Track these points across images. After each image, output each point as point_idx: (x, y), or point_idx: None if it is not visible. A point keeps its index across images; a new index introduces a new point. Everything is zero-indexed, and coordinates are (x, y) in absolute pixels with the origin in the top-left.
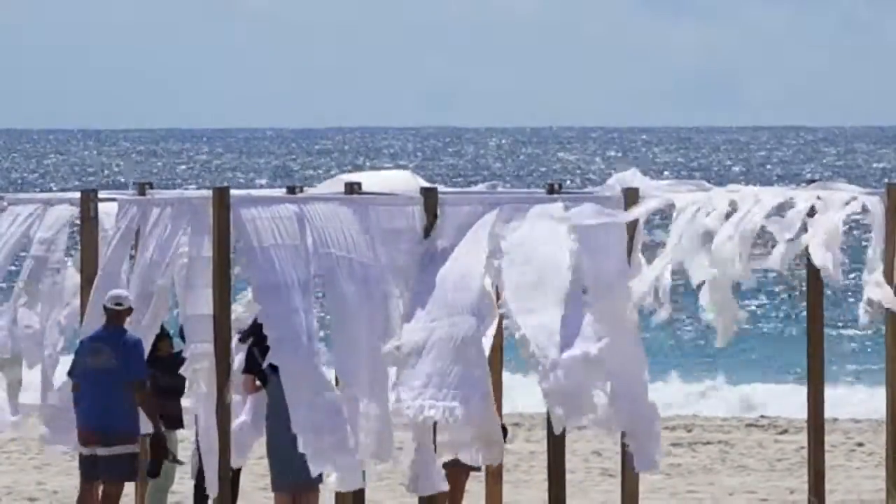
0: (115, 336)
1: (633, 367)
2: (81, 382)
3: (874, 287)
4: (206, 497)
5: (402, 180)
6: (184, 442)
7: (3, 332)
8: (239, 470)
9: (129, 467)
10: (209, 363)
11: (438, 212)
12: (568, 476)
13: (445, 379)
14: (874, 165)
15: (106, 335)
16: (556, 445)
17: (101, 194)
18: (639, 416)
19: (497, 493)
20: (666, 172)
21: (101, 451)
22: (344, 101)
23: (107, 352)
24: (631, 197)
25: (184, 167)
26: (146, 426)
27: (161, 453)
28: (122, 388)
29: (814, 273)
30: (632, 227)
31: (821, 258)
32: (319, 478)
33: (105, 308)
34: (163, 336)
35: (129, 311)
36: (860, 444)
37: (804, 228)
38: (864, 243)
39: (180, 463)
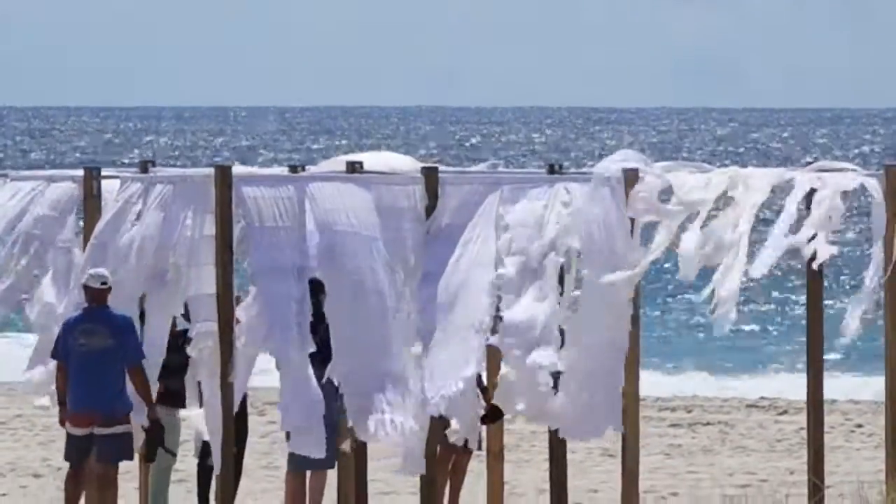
0: (107, 316)
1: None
2: (71, 363)
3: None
4: (210, 475)
5: (403, 160)
6: (186, 420)
7: (38, 307)
8: (242, 449)
9: (128, 446)
10: (214, 342)
11: (439, 192)
12: (569, 456)
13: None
14: (868, 148)
15: (98, 315)
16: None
17: (104, 172)
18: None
19: (498, 472)
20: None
21: (100, 432)
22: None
23: (102, 332)
24: (631, 177)
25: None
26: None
27: (158, 438)
28: (118, 369)
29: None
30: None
31: (825, 254)
32: (329, 461)
33: (88, 287)
34: None
35: (110, 289)
36: (859, 426)
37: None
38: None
39: (173, 454)
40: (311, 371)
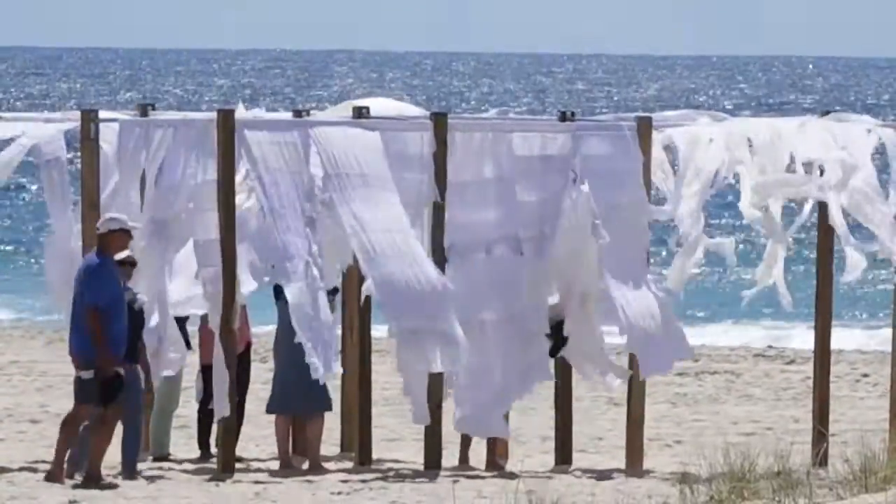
0: (83, 263)
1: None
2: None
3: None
4: (211, 420)
5: (410, 108)
6: (187, 367)
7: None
8: (244, 394)
9: (112, 390)
10: (218, 288)
11: (448, 139)
12: (574, 404)
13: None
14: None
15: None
16: (563, 373)
17: (102, 114)
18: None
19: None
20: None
21: (84, 375)
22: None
23: (78, 278)
24: (644, 126)
25: (189, 87)
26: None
27: (107, 385)
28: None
29: (824, 205)
30: (647, 156)
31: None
32: (321, 405)
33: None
34: None
35: (100, 238)
36: (865, 375)
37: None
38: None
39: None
40: (323, 303)
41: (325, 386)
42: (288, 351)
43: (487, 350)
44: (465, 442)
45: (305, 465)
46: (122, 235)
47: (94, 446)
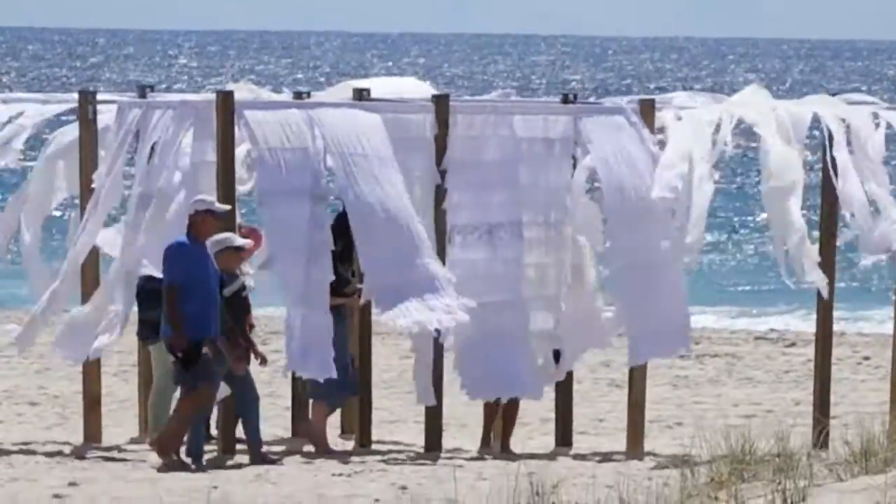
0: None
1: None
2: None
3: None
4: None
5: (413, 87)
6: None
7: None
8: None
9: (191, 371)
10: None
11: (450, 121)
12: (575, 386)
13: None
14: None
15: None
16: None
17: (100, 96)
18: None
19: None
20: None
21: (171, 357)
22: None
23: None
24: (646, 108)
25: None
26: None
27: (189, 360)
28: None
29: (829, 188)
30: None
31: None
32: (354, 390)
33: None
34: None
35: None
36: (867, 358)
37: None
38: None
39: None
40: (325, 296)
41: (356, 371)
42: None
43: (490, 329)
44: (490, 418)
45: (307, 448)
46: (209, 217)
47: (169, 427)
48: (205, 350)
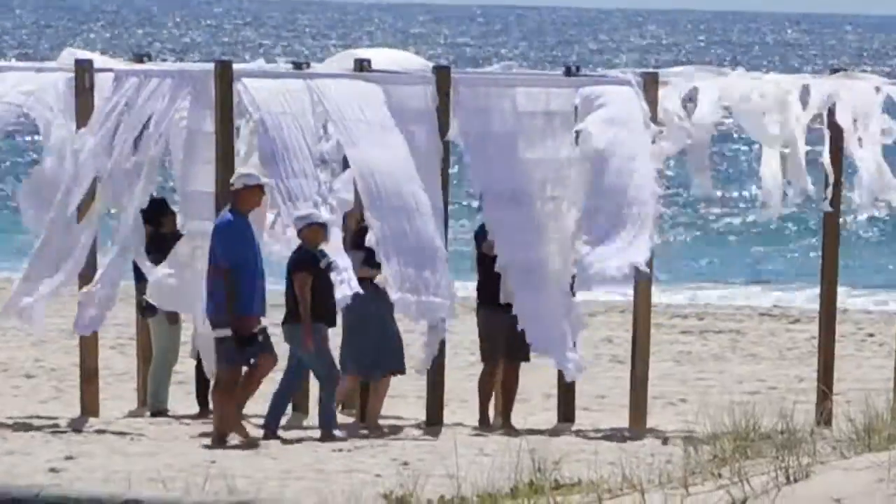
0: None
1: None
2: None
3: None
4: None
5: (413, 60)
6: (186, 322)
7: None
8: None
9: (227, 350)
10: (207, 242)
11: (452, 93)
12: None
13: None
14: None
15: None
16: None
17: (97, 64)
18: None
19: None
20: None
21: (216, 334)
22: None
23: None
24: (650, 81)
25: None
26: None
27: (245, 339)
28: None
29: (836, 166)
30: (653, 107)
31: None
32: (400, 366)
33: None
34: (169, 212)
35: (238, 192)
36: (871, 335)
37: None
38: None
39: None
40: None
41: (401, 347)
42: (360, 314)
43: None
44: (486, 396)
45: (304, 422)
46: (256, 191)
47: (217, 406)
48: (258, 327)
